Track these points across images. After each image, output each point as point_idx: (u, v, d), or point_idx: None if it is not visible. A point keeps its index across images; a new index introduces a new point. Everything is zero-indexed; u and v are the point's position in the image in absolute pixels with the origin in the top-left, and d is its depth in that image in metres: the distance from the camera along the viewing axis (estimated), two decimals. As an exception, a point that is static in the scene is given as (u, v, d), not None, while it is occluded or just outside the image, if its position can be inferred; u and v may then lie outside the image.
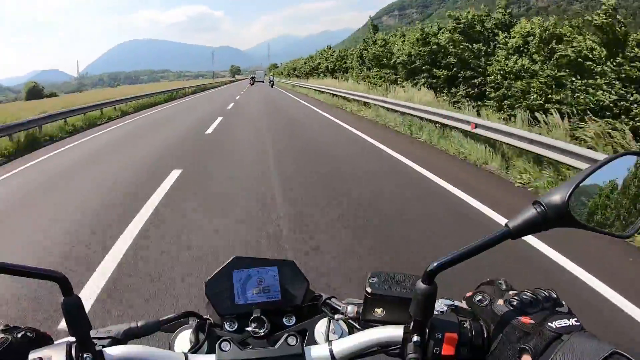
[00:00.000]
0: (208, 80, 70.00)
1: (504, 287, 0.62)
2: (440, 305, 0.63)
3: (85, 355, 0.55)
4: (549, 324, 0.53)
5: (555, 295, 0.58)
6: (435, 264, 0.56)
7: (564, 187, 0.56)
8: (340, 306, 0.70)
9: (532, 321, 0.54)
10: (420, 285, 0.56)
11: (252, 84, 53.47)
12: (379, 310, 0.64)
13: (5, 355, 0.56)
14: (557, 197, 0.56)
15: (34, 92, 67.33)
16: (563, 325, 0.53)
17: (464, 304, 0.64)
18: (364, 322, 0.65)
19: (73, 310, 0.56)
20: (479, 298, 0.61)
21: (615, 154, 0.59)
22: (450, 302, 0.65)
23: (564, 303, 0.58)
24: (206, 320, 0.69)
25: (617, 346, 0.45)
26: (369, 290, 0.64)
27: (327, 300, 0.73)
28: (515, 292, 0.60)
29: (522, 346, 0.52)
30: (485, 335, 0.58)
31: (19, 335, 0.59)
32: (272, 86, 44.47)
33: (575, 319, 0.54)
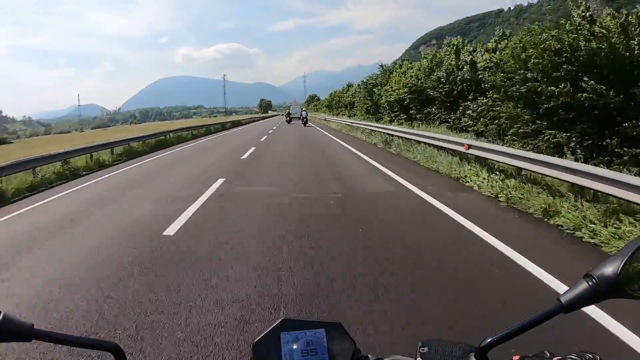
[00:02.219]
0: (217, 119, 59.18)
1: (547, 356, 0.64)
2: None
3: None
4: None
5: (599, 357, 0.60)
6: (488, 340, 0.61)
7: (615, 259, 0.59)
8: None
9: None
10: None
11: (288, 122, 45.14)
12: None
13: None
14: (609, 269, 0.58)
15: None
16: None
17: None
18: None
19: None
20: None
21: None
22: None
23: None
24: None
25: None
26: None
27: None
28: (560, 357, 0.62)
29: None
30: None
31: None
32: (305, 124, 36.52)
33: None
